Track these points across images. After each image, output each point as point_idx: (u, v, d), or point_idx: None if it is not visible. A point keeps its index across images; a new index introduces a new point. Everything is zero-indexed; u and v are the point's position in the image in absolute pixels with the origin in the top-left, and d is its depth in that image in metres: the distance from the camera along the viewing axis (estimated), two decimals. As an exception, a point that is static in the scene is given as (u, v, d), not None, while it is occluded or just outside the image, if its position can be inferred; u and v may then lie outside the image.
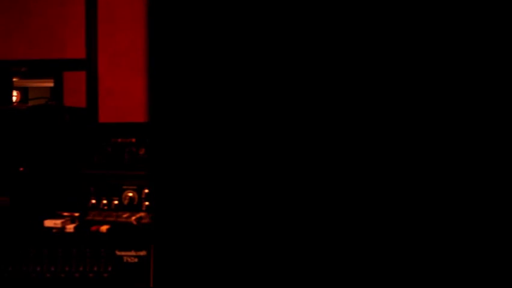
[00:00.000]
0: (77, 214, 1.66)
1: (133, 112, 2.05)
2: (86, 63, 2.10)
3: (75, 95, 2.06)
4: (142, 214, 1.62)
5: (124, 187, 1.64)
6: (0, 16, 2.10)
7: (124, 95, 2.07)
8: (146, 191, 1.62)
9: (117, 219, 1.65)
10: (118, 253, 1.58)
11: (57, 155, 1.72)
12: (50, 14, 2.11)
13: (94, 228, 1.60)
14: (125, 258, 1.58)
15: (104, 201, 1.65)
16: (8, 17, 2.10)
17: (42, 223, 1.60)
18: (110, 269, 1.57)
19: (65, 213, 1.66)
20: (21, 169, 1.71)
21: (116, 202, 1.64)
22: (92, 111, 2.06)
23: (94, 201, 1.67)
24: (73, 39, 2.11)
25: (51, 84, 4.08)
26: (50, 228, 1.59)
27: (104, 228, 1.60)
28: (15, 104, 2.69)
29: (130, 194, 1.63)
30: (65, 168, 1.75)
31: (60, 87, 2.08)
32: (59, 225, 1.58)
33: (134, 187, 1.63)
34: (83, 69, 2.10)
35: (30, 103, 2.90)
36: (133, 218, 1.59)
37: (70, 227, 1.60)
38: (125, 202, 1.63)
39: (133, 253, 1.58)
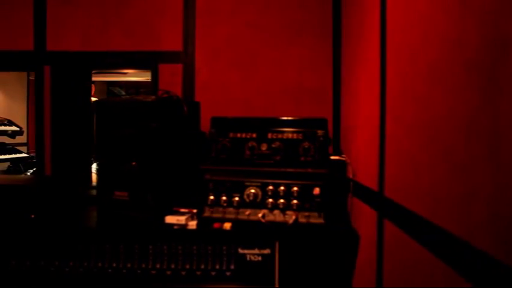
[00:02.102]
0: (195, 210, 1.60)
1: (230, 107, 1.99)
2: (183, 55, 2.05)
3: (170, 88, 2.01)
4: (265, 211, 1.56)
5: (247, 183, 1.59)
6: (97, 7, 2.06)
7: (220, 89, 2.01)
8: (271, 187, 1.56)
9: (237, 216, 1.60)
10: (241, 251, 1.53)
11: (177, 148, 1.67)
12: (146, 5, 2.06)
13: (216, 225, 1.55)
14: (248, 257, 1.53)
15: (224, 198, 1.60)
16: (104, 8, 2.05)
17: (162, 219, 1.55)
18: (232, 267, 1.53)
19: (182, 210, 1.61)
20: (133, 163, 1.67)
21: (237, 199, 1.59)
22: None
23: (212, 197, 1.62)
24: (169, 31, 2.06)
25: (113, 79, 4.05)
26: (170, 225, 1.54)
27: (227, 225, 1.55)
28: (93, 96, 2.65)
29: (253, 191, 1.58)
30: (183, 162, 1.70)
31: (156, 79, 2.03)
32: (182, 222, 1.53)
33: (258, 184, 1.58)
34: (180, 62, 2.05)
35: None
36: (260, 215, 1.54)
37: (193, 224, 1.55)
38: (248, 199, 1.57)
39: (256, 251, 1.53)
